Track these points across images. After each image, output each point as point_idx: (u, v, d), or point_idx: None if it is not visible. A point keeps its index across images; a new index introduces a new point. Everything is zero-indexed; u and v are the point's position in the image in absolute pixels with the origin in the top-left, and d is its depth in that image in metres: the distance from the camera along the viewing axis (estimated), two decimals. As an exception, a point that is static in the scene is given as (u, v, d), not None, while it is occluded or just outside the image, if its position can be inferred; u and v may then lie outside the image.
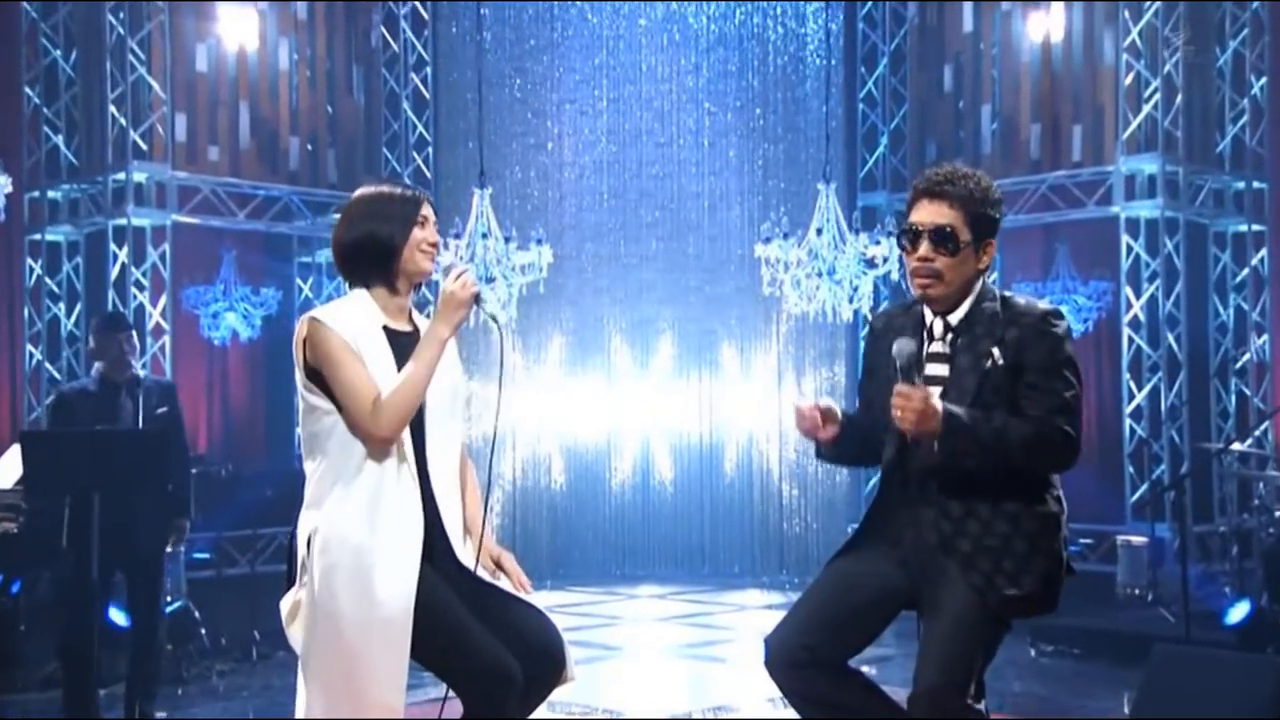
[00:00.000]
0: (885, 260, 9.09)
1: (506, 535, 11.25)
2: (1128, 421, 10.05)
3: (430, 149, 11.26)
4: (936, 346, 3.23)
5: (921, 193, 3.22)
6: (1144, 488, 9.88)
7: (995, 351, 3.13)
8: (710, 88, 11.46)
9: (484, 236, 8.44)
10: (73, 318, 10.09)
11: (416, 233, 3.26)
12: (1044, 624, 7.79)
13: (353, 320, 3.18)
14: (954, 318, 3.22)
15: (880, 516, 3.27)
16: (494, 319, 3.31)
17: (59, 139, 10.11)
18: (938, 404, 3.01)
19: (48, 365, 10.01)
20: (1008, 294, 3.25)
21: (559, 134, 11.38)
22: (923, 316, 3.27)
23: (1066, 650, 7.62)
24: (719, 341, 11.59)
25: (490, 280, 8.34)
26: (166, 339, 9.88)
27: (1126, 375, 10.10)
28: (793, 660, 3.15)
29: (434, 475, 3.19)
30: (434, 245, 3.29)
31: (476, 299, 3.18)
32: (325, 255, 11.39)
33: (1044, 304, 3.23)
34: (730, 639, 8.58)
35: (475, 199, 8.71)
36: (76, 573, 5.57)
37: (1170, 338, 9.97)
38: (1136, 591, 9.09)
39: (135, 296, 9.68)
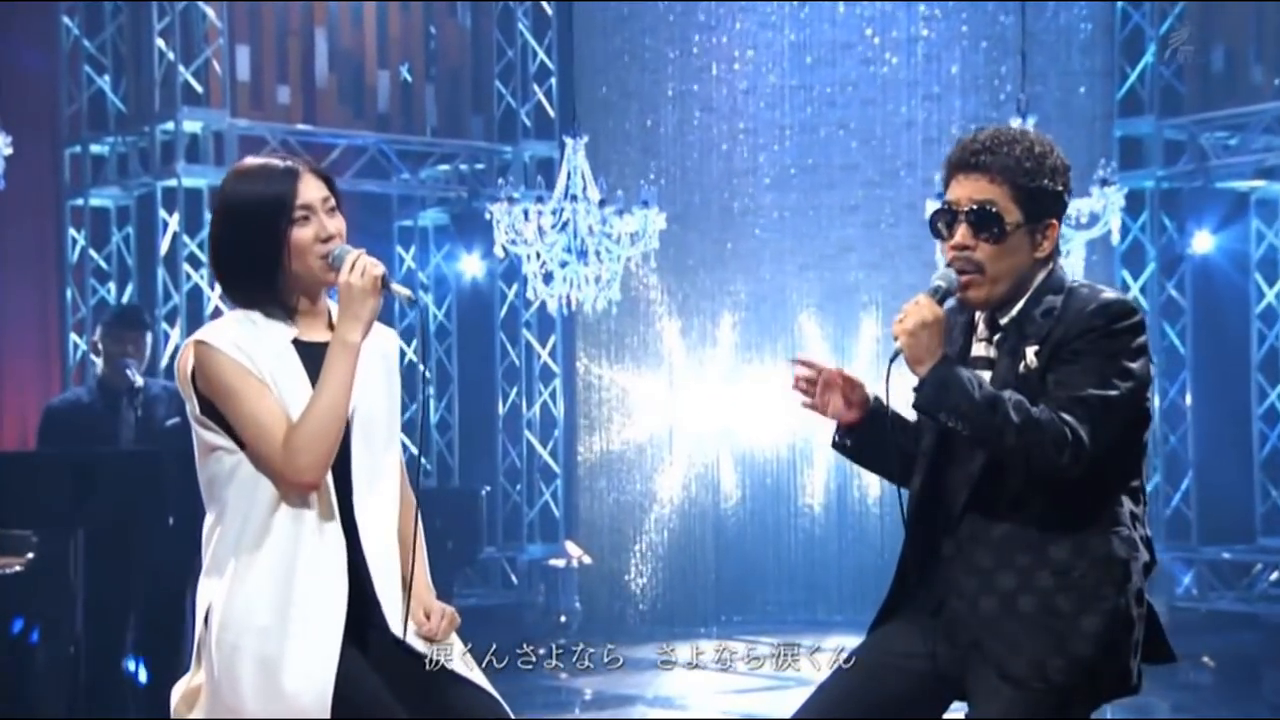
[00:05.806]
0: (1098, 218, 8.78)
1: (662, 568, 11.35)
2: None
3: (553, 81, 11.34)
4: (980, 349, 3.32)
5: (955, 166, 3.28)
6: None
7: (1030, 353, 3.19)
8: (927, -16, 11.25)
9: (573, 199, 8.41)
10: (125, 299, 10.32)
11: (298, 234, 3.21)
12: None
13: (251, 337, 3.21)
14: (1006, 317, 3.29)
15: (912, 570, 3.33)
16: (410, 301, 3.33)
17: (104, 81, 10.45)
18: (940, 337, 3.14)
19: (94, 359, 10.42)
20: (1079, 283, 3.29)
21: (729, 56, 11.33)
22: (973, 315, 3.35)
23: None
24: (940, 317, 11.37)
25: (582, 254, 8.34)
26: (228, 327, 10.15)
27: None
28: None
29: (363, 526, 3.23)
30: (330, 240, 3.22)
31: (383, 283, 3.18)
32: (431, 217, 11.64)
33: (1111, 293, 3.24)
34: (952, 707, 8.45)
35: (567, 150, 8.68)
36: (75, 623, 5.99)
37: None
38: None
39: (189, 275, 9.98)
